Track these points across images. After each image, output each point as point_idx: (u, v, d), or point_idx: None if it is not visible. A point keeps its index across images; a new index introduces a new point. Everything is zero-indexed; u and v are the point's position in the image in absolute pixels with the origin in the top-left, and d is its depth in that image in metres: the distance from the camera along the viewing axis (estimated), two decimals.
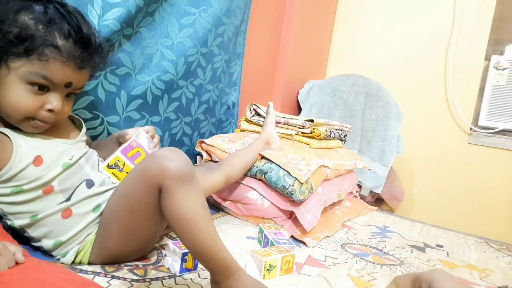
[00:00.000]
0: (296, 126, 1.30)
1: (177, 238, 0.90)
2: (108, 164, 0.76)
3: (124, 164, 0.76)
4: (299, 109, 1.98)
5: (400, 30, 2.07)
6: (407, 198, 1.99)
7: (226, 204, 1.18)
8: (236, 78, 1.51)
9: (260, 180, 1.14)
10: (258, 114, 1.36)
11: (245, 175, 1.16)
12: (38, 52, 0.62)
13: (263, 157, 1.14)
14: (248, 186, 1.15)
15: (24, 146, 0.66)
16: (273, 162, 1.12)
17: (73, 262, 0.74)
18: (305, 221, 1.05)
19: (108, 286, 0.67)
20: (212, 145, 1.22)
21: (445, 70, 1.96)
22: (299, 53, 1.88)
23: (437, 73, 1.98)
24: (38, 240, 0.71)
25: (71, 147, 0.72)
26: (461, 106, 1.92)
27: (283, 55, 1.78)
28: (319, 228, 1.11)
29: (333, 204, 1.29)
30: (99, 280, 0.69)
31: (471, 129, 1.91)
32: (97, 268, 0.73)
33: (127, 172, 0.76)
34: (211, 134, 1.42)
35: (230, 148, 1.20)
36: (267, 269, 0.79)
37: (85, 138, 0.78)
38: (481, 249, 1.19)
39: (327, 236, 1.11)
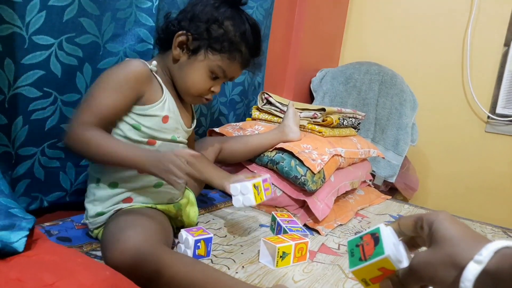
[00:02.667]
0: (307, 118, 1.28)
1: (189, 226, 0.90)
2: (254, 184, 0.83)
3: (260, 192, 0.84)
4: (311, 98, 1.95)
5: (415, 15, 2.01)
6: (422, 188, 1.95)
7: None
8: (261, 59, 1.51)
9: (272, 170, 1.14)
10: (270, 103, 1.35)
11: (257, 164, 1.16)
12: (230, 53, 0.80)
13: (275, 148, 1.13)
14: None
15: (167, 104, 0.80)
16: (285, 151, 1.11)
17: (90, 232, 0.80)
18: (317, 210, 1.04)
19: None
20: (221, 134, 1.22)
21: (462, 56, 1.91)
22: (312, 41, 1.85)
23: (454, 60, 1.93)
24: (98, 180, 0.77)
25: (184, 133, 0.86)
26: (478, 93, 1.87)
27: (295, 43, 1.75)
28: (332, 216, 1.10)
29: (346, 193, 1.28)
30: None
31: (488, 117, 1.86)
32: None
33: (261, 198, 0.83)
34: (245, 116, 1.49)
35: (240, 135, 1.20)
36: (280, 256, 0.79)
37: (191, 130, 0.90)
38: (499, 238, 1.17)
39: (340, 225, 1.11)
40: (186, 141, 0.89)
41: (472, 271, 0.33)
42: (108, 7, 0.86)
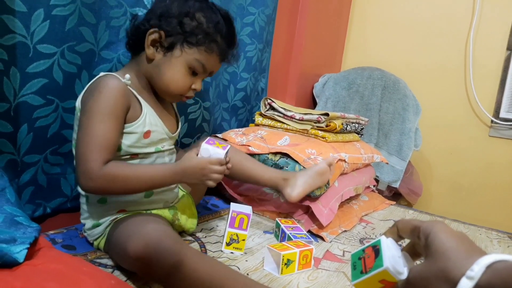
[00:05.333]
0: (311, 121, 1.28)
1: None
2: (226, 242, 0.84)
3: (237, 235, 0.84)
4: (314, 103, 1.95)
5: (417, 20, 2.02)
6: (426, 193, 1.94)
7: (242, 199, 1.17)
8: (265, 65, 1.53)
9: None
10: (273, 108, 1.35)
11: None
12: (206, 45, 0.78)
13: (279, 152, 1.13)
14: None
15: (148, 119, 0.78)
16: (289, 157, 1.11)
17: (91, 244, 0.79)
18: (322, 216, 1.04)
19: (127, 279, 0.68)
20: (224, 139, 1.22)
21: (465, 61, 1.91)
22: (314, 46, 1.85)
23: (457, 64, 1.93)
24: (87, 198, 0.78)
25: (168, 140, 0.84)
26: (482, 97, 1.87)
27: (297, 48, 1.76)
28: (336, 222, 1.10)
29: (351, 198, 1.28)
30: (118, 274, 0.69)
31: (492, 121, 1.85)
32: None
33: (243, 240, 0.85)
34: (248, 121, 1.49)
35: (242, 141, 1.20)
36: (285, 264, 0.78)
37: (177, 134, 0.88)
38: (505, 244, 1.16)
39: (345, 231, 1.10)
40: (173, 147, 0.87)
41: (464, 287, 0.33)
42: (103, 15, 0.87)
